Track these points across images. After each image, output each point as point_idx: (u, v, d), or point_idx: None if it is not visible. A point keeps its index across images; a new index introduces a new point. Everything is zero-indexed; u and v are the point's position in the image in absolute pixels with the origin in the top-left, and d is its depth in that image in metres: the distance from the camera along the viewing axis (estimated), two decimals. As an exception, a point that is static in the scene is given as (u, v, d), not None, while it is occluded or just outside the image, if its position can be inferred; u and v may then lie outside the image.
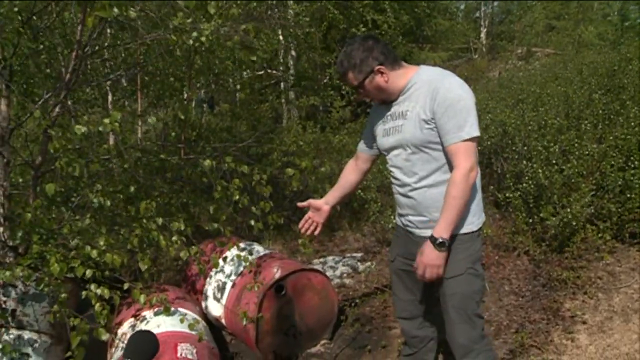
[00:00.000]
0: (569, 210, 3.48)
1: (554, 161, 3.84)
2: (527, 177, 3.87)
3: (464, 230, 2.10)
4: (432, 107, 2.02)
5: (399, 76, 2.14)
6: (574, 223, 3.50)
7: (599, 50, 8.92)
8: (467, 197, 2.01)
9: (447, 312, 2.18)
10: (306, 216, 2.56)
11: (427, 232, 2.13)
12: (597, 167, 3.78)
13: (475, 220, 2.14)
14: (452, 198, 1.99)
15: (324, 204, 2.53)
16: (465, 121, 1.98)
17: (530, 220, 3.85)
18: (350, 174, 2.54)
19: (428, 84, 2.07)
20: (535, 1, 17.38)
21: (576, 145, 3.89)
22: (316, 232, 2.57)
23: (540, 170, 3.75)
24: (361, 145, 2.47)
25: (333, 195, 2.55)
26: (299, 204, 2.57)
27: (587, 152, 3.81)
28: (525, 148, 4.20)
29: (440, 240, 2.01)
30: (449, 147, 2.02)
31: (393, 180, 2.29)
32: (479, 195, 2.17)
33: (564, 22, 16.98)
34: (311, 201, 2.55)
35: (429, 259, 2.04)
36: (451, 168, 2.05)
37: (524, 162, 4.01)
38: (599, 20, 16.25)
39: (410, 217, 2.22)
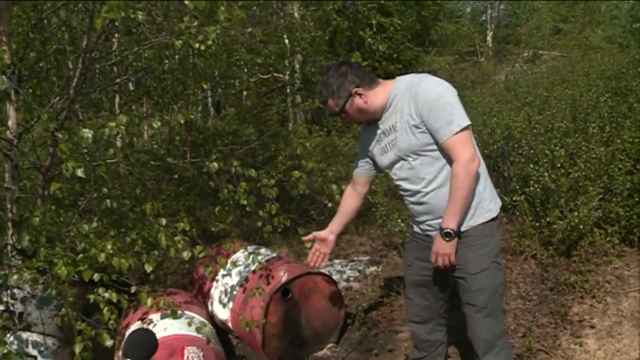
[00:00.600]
0: (576, 214, 3.46)
1: (560, 164, 3.82)
2: (533, 181, 3.85)
3: (483, 219, 2.13)
4: (417, 111, 2.06)
5: (377, 94, 2.18)
6: (581, 227, 3.48)
7: (607, 52, 8.87)
8: (470, 187, 2.05)
9: (472, 307, 2.19)
10: (313, 249, 2.62)
11: None
12: (605, 171, 3.76)
13: (492, 207, 2.18)
14: (455, 189, 2.04)
15: (329, 234, 2.58)
16: (451, 115, 2.02)
17: (537, 224, 3.83)
18: (350, 200, 2.57)
19: (408, 92, 2.11)
20: (542, 1, 17.33)
21: (583, 148, 3.87)
22: (324, 263, 2.62)
23: (546, 174, 3.73)
24: (358, 170, 2.49)
25: (337, 224, 2.59)
26: (304, 239, 2.64)
27: (594, 156, 3.79)
28: (532, 151, 4.18)
29: (447, 230, 2.07)
30: (444, 144, 2.05)
31: (402, 193, 2.31)
32: (488, 182, 2.21)
33: (570, 25, 16.91)
34: (316, 234, 2.61)
35: (438, 248, 2.12)
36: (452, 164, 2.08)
37: (531, 165, 3.99)
38: (607, 22, 16.17)
39: (430, 222, 2.24)
